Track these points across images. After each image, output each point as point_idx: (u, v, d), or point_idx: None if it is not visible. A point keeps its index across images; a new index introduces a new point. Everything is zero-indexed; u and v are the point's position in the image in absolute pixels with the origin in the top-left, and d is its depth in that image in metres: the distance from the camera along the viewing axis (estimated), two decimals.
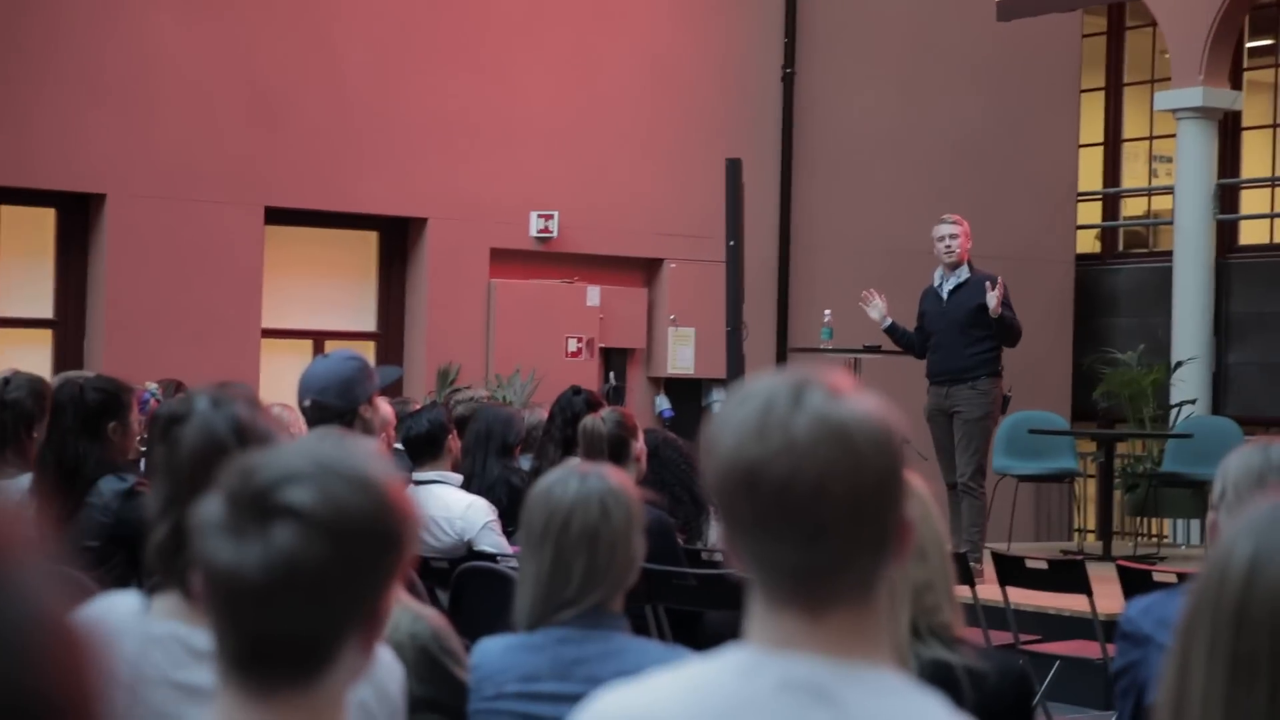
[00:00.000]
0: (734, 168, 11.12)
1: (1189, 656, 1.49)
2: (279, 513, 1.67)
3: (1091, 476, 13.99)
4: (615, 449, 6.07)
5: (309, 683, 1.71)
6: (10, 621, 0.67)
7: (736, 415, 1.72)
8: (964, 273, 9.96)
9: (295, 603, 1.67)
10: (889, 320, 10.05)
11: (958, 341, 9.87)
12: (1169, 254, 15.22)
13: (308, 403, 4.58)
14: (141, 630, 2.37)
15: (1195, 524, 12.97)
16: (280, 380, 11.04)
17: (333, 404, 4.57)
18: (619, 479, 3.05)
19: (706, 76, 13.21)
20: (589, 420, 6.15)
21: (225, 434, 2.41)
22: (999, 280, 9.68)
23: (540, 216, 12.52)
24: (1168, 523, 12.91)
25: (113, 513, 4.86)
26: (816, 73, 13.63)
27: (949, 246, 9.96)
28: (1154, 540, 12.30)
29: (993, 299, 9.58)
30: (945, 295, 9.95)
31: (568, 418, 6.99)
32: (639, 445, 6.20)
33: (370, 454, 1.81)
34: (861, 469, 1.68)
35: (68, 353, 11.20)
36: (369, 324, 12.44)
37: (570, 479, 3.01)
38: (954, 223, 10.00)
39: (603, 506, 2.97)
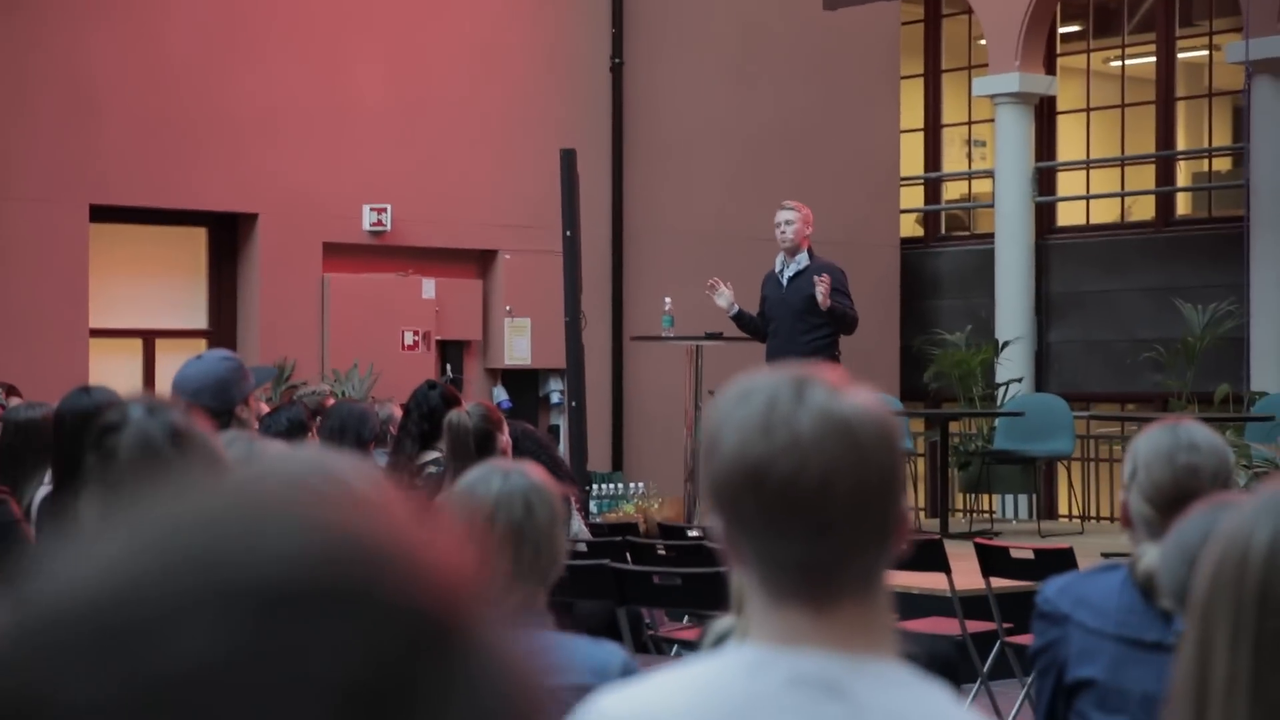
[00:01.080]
0: (568, 158, 11.12)
1: (1210, 642, 1.51)
2: None
3: (921, 455, 14.26)
4: (481, 442, 6.03)
5: None
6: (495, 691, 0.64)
7: (738, 413, 1.71)
8: (803, 260, 10.07)
9: None
10: (736, 307, 10.11)
11: (795, 328, 9.98)
12: (990, 236, 15.57)
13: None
14: None
15: (1024, 499, 13.28)
16: (110, 381, 10.77)
17: (209, 405, 4.47)
18: (541, 476, 3.03)
19: (536, 67, 13.18)
20: (454, 415, 6.10)
21: (162, 441, 2.35)
22: (824, 276, 9.77)
23: (373, 210, 12.40)
24: (996, 499, 13.20)
25: None
26: (644, 62, 13.68)
27: (783, 233, 10.08)
28: (986, 516, 12.55)
29: (819, 293, 9.68)
30: (784, 282, 10.06)
31: (424, 412, 6.94)
32: (505, 438, 6.17)
33: (360, 471, 1.77)
34: (865, 463, 1.69)
35: None
36: (200, 322, 12.22)
37: (492, 477, 2.99)
38: (791, 209, 10.10)
39: (526, 503, 2.95)
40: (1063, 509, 14.20)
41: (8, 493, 4.95)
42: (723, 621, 2.78)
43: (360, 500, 0.67)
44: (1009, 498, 13.31)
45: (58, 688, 0.62)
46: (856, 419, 1.69)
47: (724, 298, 10.13)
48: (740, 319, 10.18)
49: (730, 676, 1.72)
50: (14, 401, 7.51)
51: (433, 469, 7.01)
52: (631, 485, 11.66)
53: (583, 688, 3.02)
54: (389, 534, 0.66)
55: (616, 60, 13.57)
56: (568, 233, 11.09)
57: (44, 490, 5.36)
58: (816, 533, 1.68)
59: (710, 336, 10.65)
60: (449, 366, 12.76)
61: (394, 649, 0.63)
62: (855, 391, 1.74)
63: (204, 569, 0.63)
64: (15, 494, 5.09)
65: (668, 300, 11.00)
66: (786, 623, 1.71)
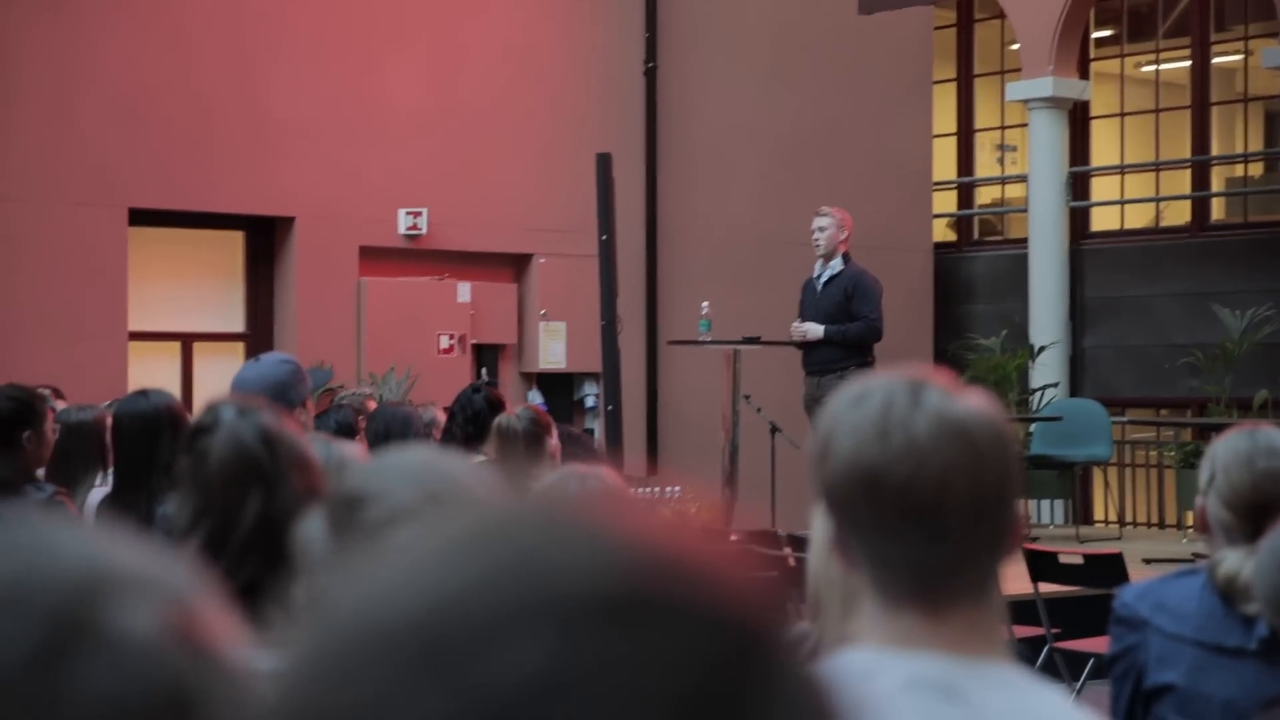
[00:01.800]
0: (604, 162, 11.13)
1: None
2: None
3: None
4: (530, 446, 6.04)
5: None
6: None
7: (853, 416, 1.71)
8: (837, 265, 10.08)
9: None
10: (820, 329, 9.99)
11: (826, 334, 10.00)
12: (1023, 241, 15.54)
13: None
14: None
15: (1059, 504, 13.25)
16: (149, 383, 10.80)
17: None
18: (616, 480, 3.03)
19: (570, 71, 13.19)
20: (504, 418, 6.10)
21: (254, 444, 2.35)
22: (803, 327, 9.87)
23: (409, 214, 12.42)
24: (1032, 504, 13.17)
25: None
26: (678, 67, 13.68)
27: (816, 239, 10.11)
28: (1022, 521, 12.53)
29: (806, 334, 9.88)
30: (819, 287, 10.08)
31: (468, 415, 6.94)
32: (553, 442, 6.17)
33: (474, 474, 1.77)
34: (982, 467, 1.69)
35: None
36: (237, 325, 12.25)
37: (570, 481, 2.99)
38: (827, 214, 10.12)
39: None
40: (1098, 514, 14.15)
41: (65, 494, 4.97)
42: (798, 627, 2.77)
43: (653, 515, 0.68)
44: (1045, 503, 13.28)
45: (387, 706, 0.61)
46: (972, 422, 1.69)
47: (812, 328, 10.04)
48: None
49: (845, 679, 1.71)
50: (60, 405, 7.53)
51: None
52: (668, 489, 11.64)
53: None
54: (691, 548, 0.66)
55: (650, 64, 13.57)
56: (603, 236, 11.09)
57: (99, 492, 5.38)
58: (932, 537, 1.68)
59: (748, 340, 10.63)
60: (484, 370, 12.77)
61: (719, 659, 0.63)
62: (971, 395, 1.74)
63: (524, 581, 0.62)
64: (71, 495, 5.12)
65: (705, 304, 10.98)
66: (901, 626, 1.70)
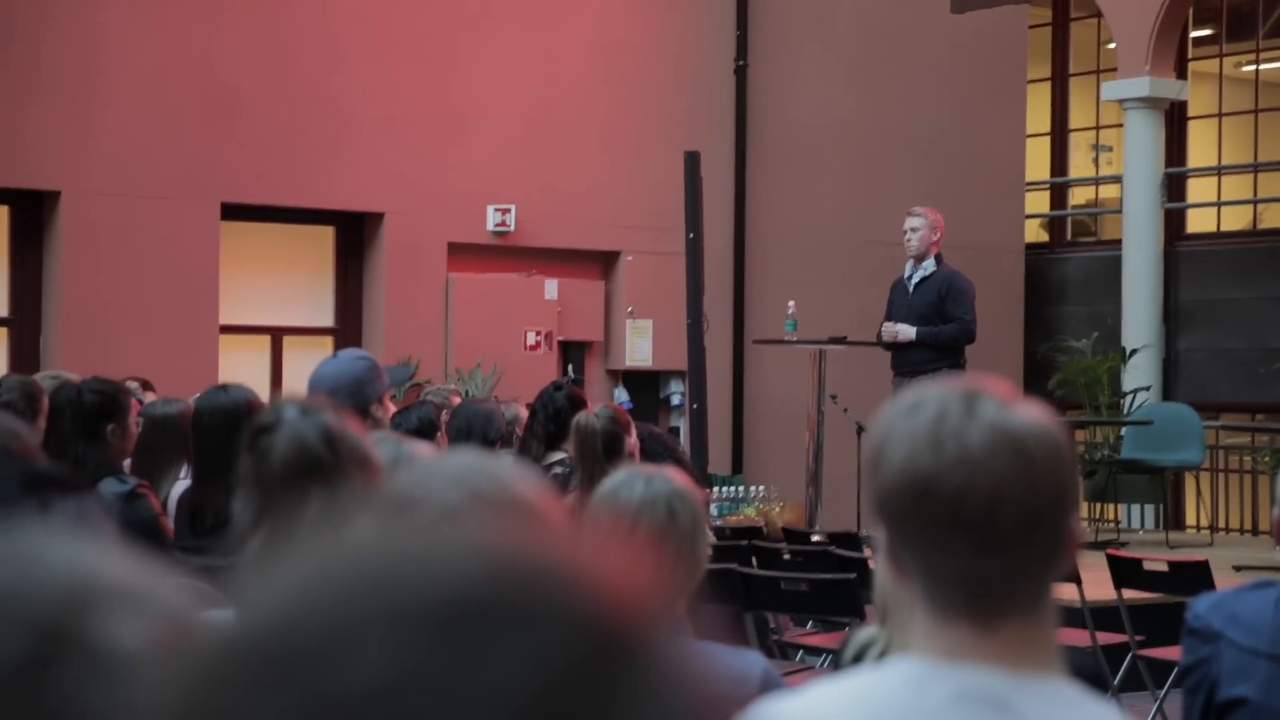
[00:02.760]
0: (692, 160, 11.12)
1: None
2: None
3: None
4: (609, 445, 6.03)
5: None
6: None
7: (906, 425, 1.69)
8: (930, 266, 10.00)
9: None
10: (912, 331, 9.92)
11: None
12: (1116, 242, 15.36)
13: None
14: None
15: (1149, 509, 13.09)
16: (239, 377, 10.91)
17: (344, 403, 4.51)
18: (683, 480, 3.02)
19: (660, 69, 13.19)
20: (583, 416, 6.10)
21: (316, 443, 2.37)
22: (897, 327, 9.81)
23: (497, 210, 12.46)
24: (1122, 508, 13.02)
25: (116, 515, 4.78)
26: (768, 65, 13.63)
27: (909, 239, 10.03)
28: (1112, 525, 12.39)
29: (889, 334, 9.82)
30: (911, 288, 10.01)
31: (550, 413, 6.96)
32: (632, 441, 6.16)
33: (521, 477, 1.77)
34: (1036, 479, 1.66)
35: (23, 351, 11.05)
36: (326, 319, 12.35)
37: (636, 481, 2.98)
38: (920, 215, 10.04)
39: (670, 509, 2.94)
40: (1189, 520, 13.98)
41: (148, 487, 5.02)
42: (866, 631, 2.74)
43: (526, 515, 0.68)
44: (1135, 507, 13.13)
45: (233, 717, 0.62)
46: (1028, 433, 1.66)
47: (904, 330, 9.95)
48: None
49: (894, 690, 1.70)
50: (149, 397, 7.62)
51: (558, 470, 7.03)
52: (752, 489, 11.62)
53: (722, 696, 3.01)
54: (557, 549, 0.66)
55: (741, 62, 13.54)
56: (691, 235, 11.09)
57: (181, 485, 5.44)
58: (984, 550, 1.66)
59: (834, 340, 10.59)
60: (570, 367, 12.80)
61: (571, 662, 0.62)
62: (1026, 405, 1.71)
63: (370, 595, 0.63)
64: (153, 488, 5.17)
65: (791, 304, 10.95)
66: (951, 638, 1.68)
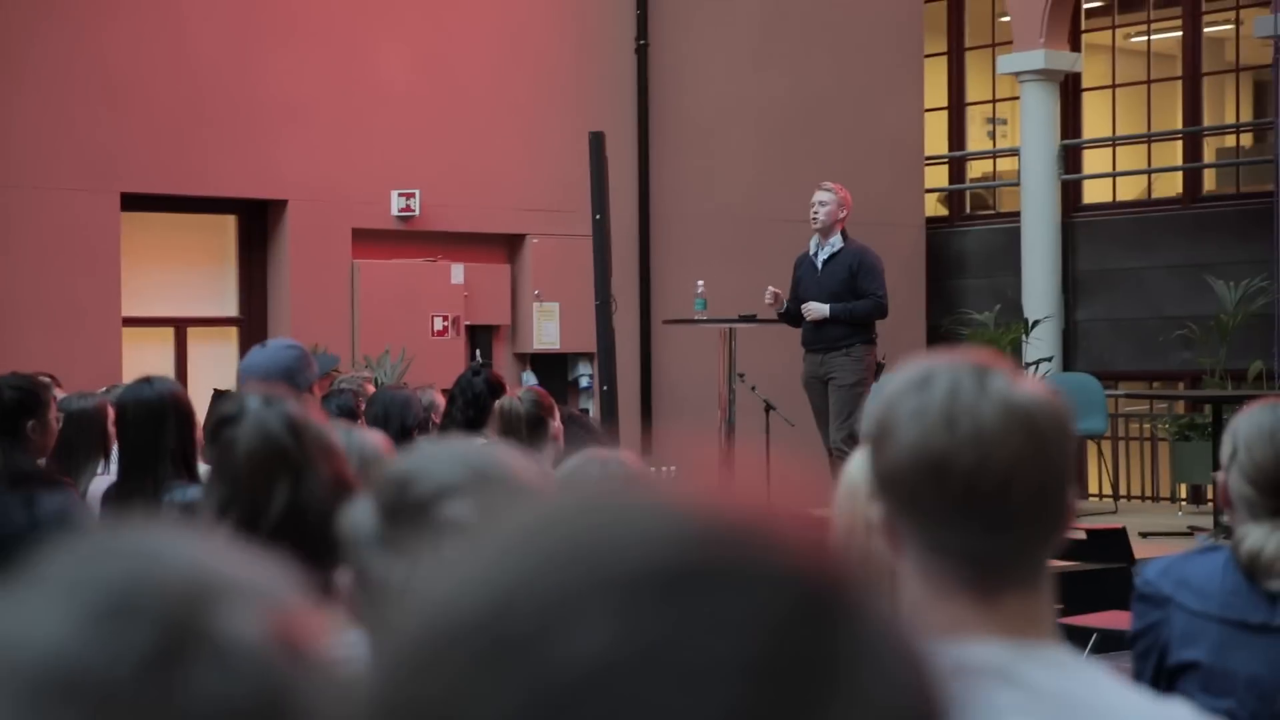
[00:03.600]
0: (597, 141, 11.09)
1: None
2: (445, 526, 1.61)
3: None
4: (533, 428, 6.01)
5: None
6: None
7: (915, 400, 1.69)
8: (837, 242, 10.04)
9: None
10: (785, 305, 10.01)
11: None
12: (1015, 214, 15.53)
13: None
14: None
15: None
16: (143, 369, 10.77)
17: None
18: (637, 464, 3.01)
19: (561, 50, 13.15)
20: (506, 400, 6.08)
21: (281, 432, 2.34)
22: (810, 305, 9.82)
23: (401, 195, 12.38)
24: None
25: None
26: (669, 44, 13.63)
27: (816, 214, 10.05)
28: None
29: (813, 312, 9.81)
30: (819, 264, 10.01)
31: (469, 398, 6.94)
32: (556, 424, 6.15)
33: (517, 459, 1.76)
34: (1047, 457, 1.67)
35: None
36: (231, 309, 12.22)
37: (590, 465, 2.97)
38: (829, 190, 10.07)
39: None
40: (1092, 488, 14.17)
41: (70, 483, 4.95)
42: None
43: (710, 488, 0.67)
44: None
45: (458, 700, 0.61)
46: (1038, 410, 1.67)
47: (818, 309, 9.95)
48: (786, 313, 10.15)
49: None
50: (58, 393, 7.50)
51: None
52: (663, 469, 11.63)
53: None
54: (749, 514, 0.65)
55: (641, 41, 13.53)
56: (597, 216, 11.06)
57: (102, 480, 5.36)
58: (993, 527, 1.67)
59: (744, 319, 10.62)
60: (478, 352, 12.76)
61: (789, 619, 0.62)
62: (1032, 381, 1.73)
63: (581, 565, 0.63)
64: (74, 484, 5.09)
65: (700, 283, 10.97)
66: (952, 613, 1.69)
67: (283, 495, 2.29)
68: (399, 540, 1.62)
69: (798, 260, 10.26)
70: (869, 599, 0.65)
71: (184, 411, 4.81)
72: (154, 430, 4.70)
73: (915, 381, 1.69)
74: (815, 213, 10.04)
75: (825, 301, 9.91)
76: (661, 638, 0.60)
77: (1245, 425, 3.01)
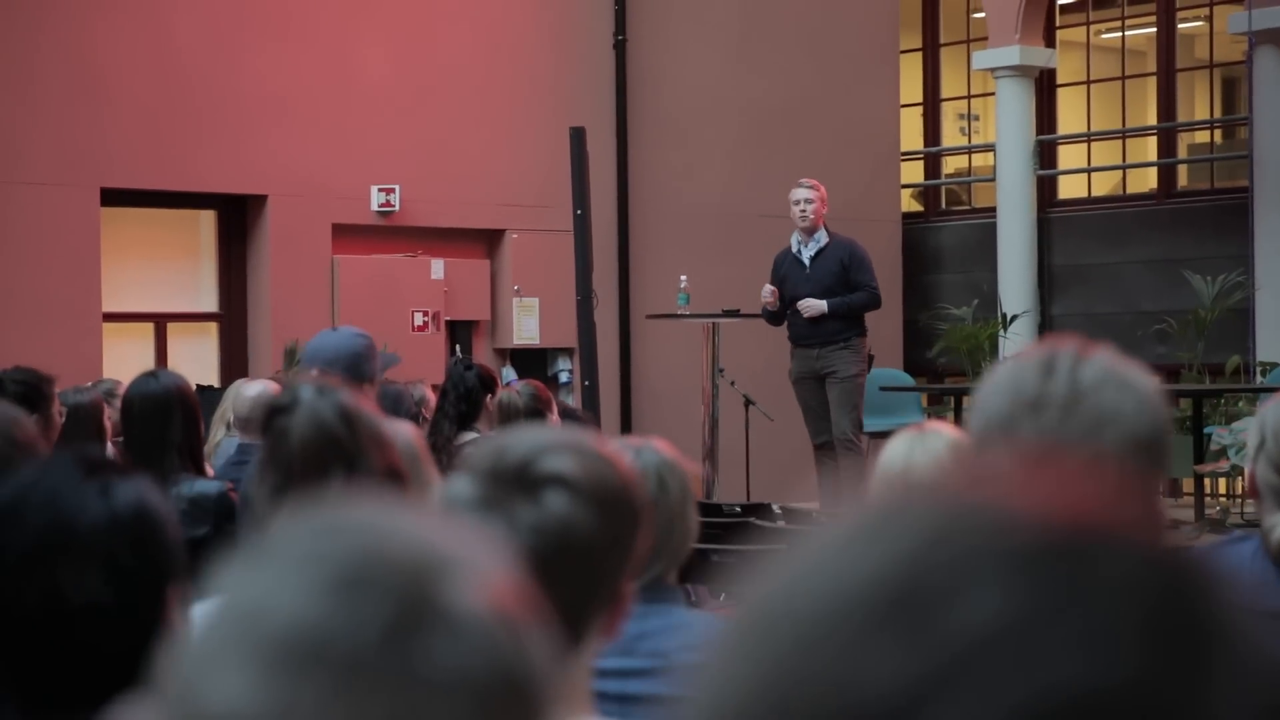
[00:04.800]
0: (578, 136, 11.09)
1: None
2: (546, 481, 1.65)
3: None
4: (532, 422, 6.02)
5: (565, 659, 1.67)
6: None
7: (1014, 366, 1.74)
8: (822, 237, 10.01)
9: (565, 571, 1.65)
10: (823, 304, 9.85)
11: None
12: (990, 210, 15.59)
13: (314, 372, 4.51)
14: None
15: None
16: (123, 365, 10.75)
17: (340, 375, 4.52)
18: (671, 451, 3.02)
19: (540, 46, 13.14)
20: (505, 395, 6.10)
21: (334, 422, 2.34)
22: (809, 303, 9.76)
23: (381, 191, 12.36)
24: None
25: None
26: (648, 39, 13.64)
27: (804, 211, 9.97)
28: None
29: (811, 309, 9.73)
30: (807, 261, 9.96)
31: (461, 393, 6.94)
32: (554, 417, 6.17)
33: (592, 434, 1.79)
34: (1141, 408, 1.73)
35: None
36: (211, 305, 12.18)
37: (623, 452, 2.97)
38: (810, 187, 10.03)
39: (659, 479, 2.94)
40: None
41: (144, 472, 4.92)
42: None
43: (1042, 476, 0.69)
44: None
45: (854, 667, 0.62)
46: (1134, 376, 1.73)
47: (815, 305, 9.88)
48: (769, 312, 10.08)
49: None
50: None
51: (470, 450, 7.02)
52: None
53: None
54: (1094, 501, 0.67)
55: (620, 37, 13.53)
56: (578, 211, 11.06)
57: None
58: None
59: (728, 314, 10.64)
60: (458, 347, 12.74)
61: (1171, 588, 0.64)
62: (1133, 364, 1.80)
63: (965, 537, 0.64)
64: None
65: (683, 278, 10.99)
66: None
67: (336, 484, 2.29)
68: (501, 500, 1.65)
69: (778, 259, 10.17)
70: (1211, 573, 0.67)
71: (190, 405, 4.80)
72: (160, 424, 4.70)
73: (1015, 361, 1.75)
74: (803, 210, 9.96)
75: (818, 297, 9.86)
76: (1054, 602, 0.62)
77: (1274, 415, 3.03)
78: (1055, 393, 1.73)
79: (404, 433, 2.88)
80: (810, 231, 9.98)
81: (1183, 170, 15.51)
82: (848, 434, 9.75)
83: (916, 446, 3.04)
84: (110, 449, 5.87)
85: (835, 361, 9.86)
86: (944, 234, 16.10)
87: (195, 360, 11.64)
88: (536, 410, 6.07)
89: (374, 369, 4.66)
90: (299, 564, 0.81)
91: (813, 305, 9.81)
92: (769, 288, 9.96)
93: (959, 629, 0.62)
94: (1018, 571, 0.63)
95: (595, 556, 1.66)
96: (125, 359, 11.24)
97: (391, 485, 2.34)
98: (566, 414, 7.00)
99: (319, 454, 2.30)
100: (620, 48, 13.54)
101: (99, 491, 1.69)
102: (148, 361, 11.53)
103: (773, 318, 10.14)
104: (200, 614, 2.16)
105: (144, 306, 11.84)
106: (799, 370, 10.01)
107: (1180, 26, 15.39)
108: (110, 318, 11.49)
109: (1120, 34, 15.80)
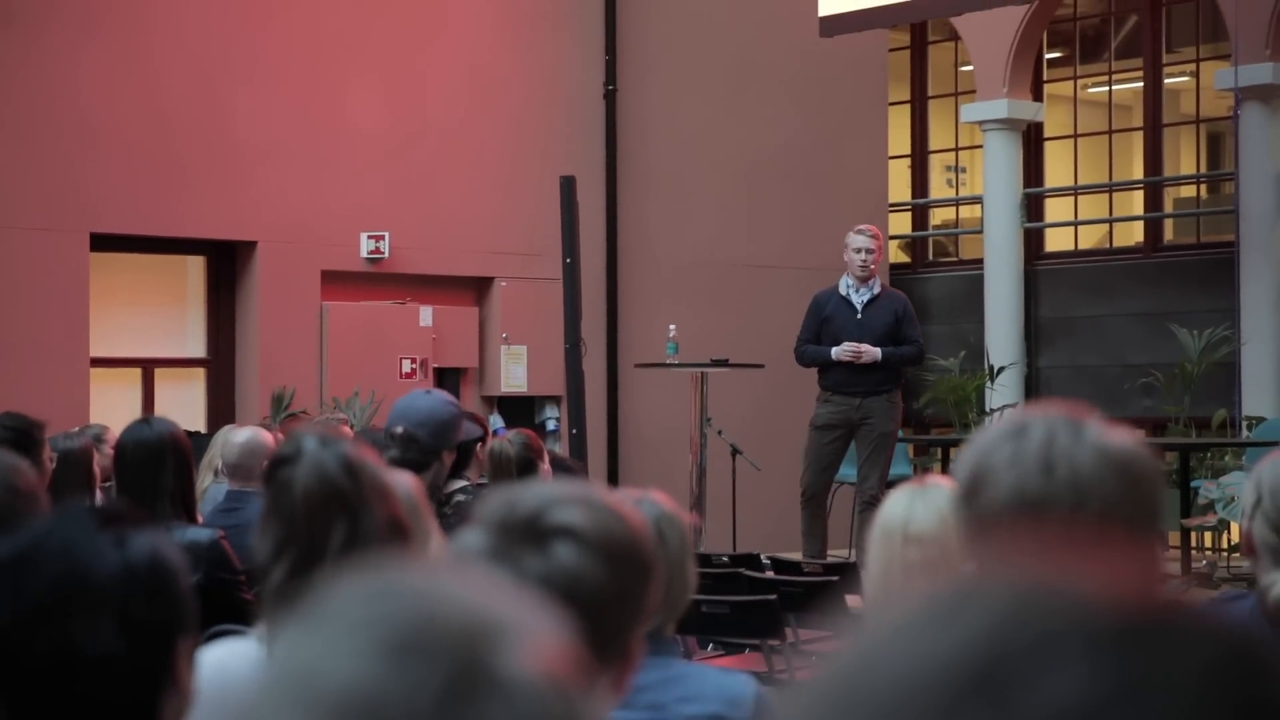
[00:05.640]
0: (568, 185, 11.12)
1: None
2: (556, 532, 1.65)
3: None
4: (524, 471, 6.02)
5: None
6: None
7: (1010, 448, 1.72)
8: (876, 285, 9.87)
9: (574, 623, 1.65)
10: (878, 351, 9.71)
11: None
12: (977, 262, 15.65)
13: (399, 430, 4.57)
14: None
15: None
16: (109, 410, 10.73)
17: (424, 440, 4.58)
18: (670, 503, 3.02)
19: (531, 95, 13.19)
20: (497, 444, 6.08)
21: (338, 473, 2.34)
22: (858, 347, 9.64)
23: (371, 238, 12.37)
24: None
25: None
26: (638, 89, 13.70)
27: (865, 261, 9.76)
28: None
29: (867, 355, 9.60)
30: (860, 307, 9.79)
31: None
32: (545, 466, 6.16)
33: (605, 490, 1.79)
34: (1139, 498, 1.71)
35: None
36: (199, 350, 12.16)
37: (632, 505, 2.97)
38: (872, 236, 9.83)
39: (659, 531, 2.94)
40: None
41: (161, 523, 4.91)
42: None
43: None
44: None
45: None
46: (1130, 455, 1.71)
47: (871, 352, 9.71)
48: (814, 356, 9.88)
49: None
50: None
51: (460, 498, 7.00)
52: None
53: (717, 717, 3.02)
54: (1138, 582, 0.67)
55: (610, 87, 13.59)
56: (568, 260, 11.08)
57: None
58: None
59: (717, 363, 10.65)
60: None
61: (1234, 668, 0.65)
62: (1120, 431, 1.77)
63: (1045, 618, 0.65)
64: None
65: (672, 327, 11.00)
66: None
67: (340, 536, 2.29)
68: (510, 552, 1.65)
69: (821, 300, 9.94)
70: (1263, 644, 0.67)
71: (183, 452, 4.79)
72: (153, 471, 4.69)
73: (1009, 432, 1.73)
74: (864, 260, 9.74)
75: (870, 343, 9.68)
76: (1137, 683, 0.63)
77: (1270, 473, 3.04)
78: (1038, 462, 1.73)
79: (404, 483, 2.88)
80: (866, 279, 9.90)
81: (1169, 224, 15.59)
82: (875, 488, 9.56)
83: (917, 500, 3.04)
84: (99, 495, 5.86)
85: (875, 413, 9.70)
86: (931, 285, 16.15)
87: (182, 406, 11.61)
88: (528, 459, 6.06)
89: (456, 439, 4.72)
90: (352, 627, 0.81)
91: (869, 351, 9.69)
92: (849, 347, 9.71)
93: (1043, 710, 0.62)
94: (1099, 653, 0.63)
95: (604, 609, 1.66)
96: (113, 404, 11.22)
97: (394, 537, 2.34)
98: (558, 464, 6.99)
99: (322, 505, 2.30)
100: (610, 97, 13.59)
101: (114, 543, 1.69)
102: (135, 406, 11.52)
103: (815, 361, 9.88)
104: (204, 662, 2.14)
105: (132, 351, 11.83)
106: (830, 417, 9.78)
107: (1167, 82, 15.49)
108: (98, 363, 11.47)
109: (1107, 88, 15.90)
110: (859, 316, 9.77)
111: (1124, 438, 1.74)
